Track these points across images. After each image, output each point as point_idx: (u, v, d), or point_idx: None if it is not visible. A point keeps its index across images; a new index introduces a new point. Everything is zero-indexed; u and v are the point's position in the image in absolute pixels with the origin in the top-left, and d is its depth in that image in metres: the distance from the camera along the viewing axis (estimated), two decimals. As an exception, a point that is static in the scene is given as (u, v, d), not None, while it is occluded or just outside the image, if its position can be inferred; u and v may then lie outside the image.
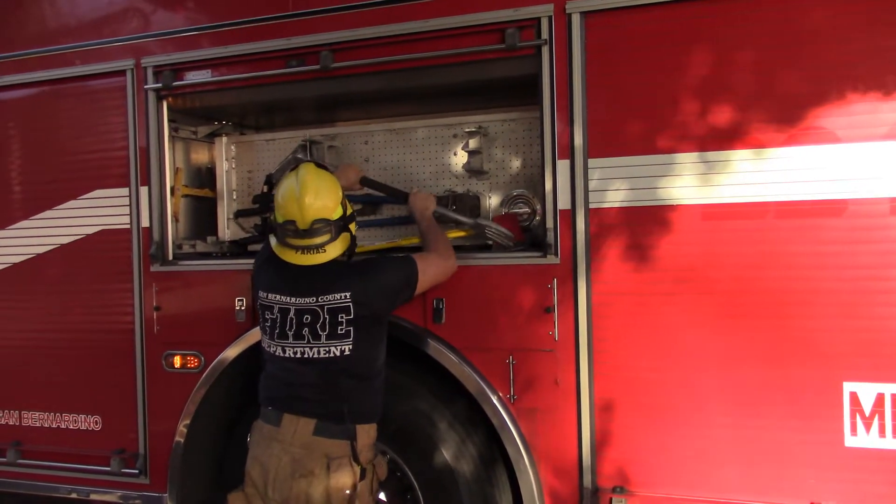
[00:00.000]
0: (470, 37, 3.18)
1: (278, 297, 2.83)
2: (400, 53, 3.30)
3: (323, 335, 2.76)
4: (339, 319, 2.76)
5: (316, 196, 2.76)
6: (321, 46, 3.38)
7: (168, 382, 3.69)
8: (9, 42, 4.05)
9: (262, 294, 2.89)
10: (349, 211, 2.91)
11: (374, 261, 2.98)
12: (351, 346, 2.77)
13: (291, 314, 2.80)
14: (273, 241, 2.93)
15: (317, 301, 2.77)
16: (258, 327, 3.03)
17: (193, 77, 3.66)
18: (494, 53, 3.16)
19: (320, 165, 2.96)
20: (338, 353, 2.76)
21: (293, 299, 2.80)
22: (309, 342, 2.78)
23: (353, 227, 2.91)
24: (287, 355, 2.82)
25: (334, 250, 2.81)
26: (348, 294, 2.76)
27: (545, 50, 3.06)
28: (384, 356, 2.97)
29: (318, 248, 2.77)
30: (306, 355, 2.78)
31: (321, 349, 2.77)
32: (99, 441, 3.87)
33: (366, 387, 2.87)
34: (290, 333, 2.80)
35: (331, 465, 2.69)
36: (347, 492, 2.70)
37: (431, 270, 3.01)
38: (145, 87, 3.71)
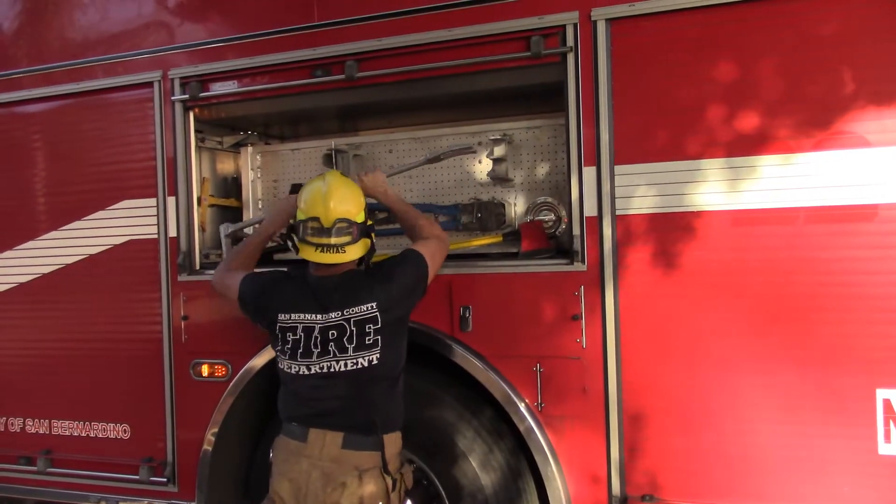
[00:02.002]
0: (495, 45, 3.19)
1: (302, 315, 2.79)
2: (424, 62, 3.31)
3: (350, 347, 2.74)
4: (367, 330, 2.74)
5: (342, 198, 2.82)
6: (346, 56, 3.41)
7: (196, 391, 3.71)
8: (37, 55, 4.11)
9: (282, 317, 2.81)
10: (370, 221, 2.94)
11: (386, 264, 2.95)
12: (379, 355, 2.75)
13: (316, 332, 2.76)
14: (294, 239, 2.91)
15: (342, 315, 2.75)
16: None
17: (220, 88, 3.69)
18: (520, 61, 3.16)
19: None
20: (366, 364, 2.74)
21: (319, 316, 2.77)
22: (335, 356, 2.75)
23: (373, 235, 2.93)
24: (312, 372, 2.77)
25: (354, 252, 2.81)
26: (374, 304, 2.76)
27: (570, 57, 3.07)
28: (405, 357, 2.95)
29: (339, 247, 2.78)
30: (332, 369, 2.75)
31: (348, 362, 2.74)
32: (128, 449, 3.90)
33: (391, 392, 2.85)
34: (316, 352, 2.76)
35: (363, 478, 2.68)
36: (380, 503, 2.69)
37: (437, 257, 3.02)
38: (172, 98, 3.74)
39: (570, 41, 3.06)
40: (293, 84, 3.54)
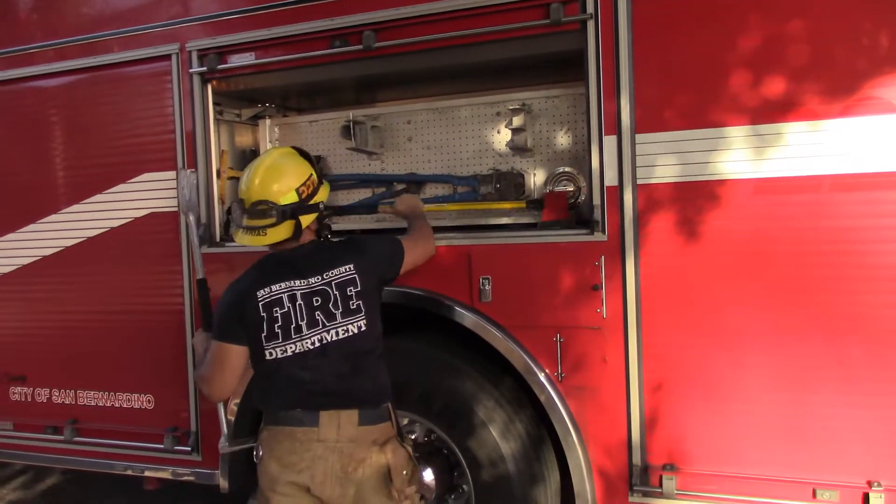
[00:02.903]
0: (514, 13, 3.13)
1: (283, 284, 2.66)
2: (443, 31, 3.27)
3: (337, 313, 2.66)
4: (349, 293, 2.68)
5: (265, 176, 2.73)
6: (364, 26, 3.37)
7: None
8: (52, 30, 4.12)
9: (261, 292, 2.64)
10: (314, 201, 2.77)
11: (358, 237, 3.00)
12: (364, 322, 2.69)
13: (300, 300, 2.64)
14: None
15: (322, 279, 2.68)
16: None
17: (237, 60, 3.67)
18: (539, 29, 3.11)
19: (302, 153, 2.87)
20: (355, 331, 2.67)
21: (298, 282, 2.67)
22: (324, 326, 2.65)
23: (306, 217, 2.73)
24: (306, 349, 2.64)
25: (276, 234, 2.69)
26: (351, 266, 2.71)
27: (591, 24, 3.01)
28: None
29: (259, 229, 2.70)
30: (324, 341, 2.65)
31: (339, 329, 2.66)
32: (152, 419, 3.96)
33: (380, 361, 2.78)
34: (304, 324, 2.64)
35: (384, 448, 2.64)
36: (405, 472, 2.66)
37: (417, 250, 3.04)
38: (190, 70, 3.74)
39: (590, 8, 3.00)
40: (311, 55, 3.51)
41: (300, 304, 2.65)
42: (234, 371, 2.75)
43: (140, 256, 3.93)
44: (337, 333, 2.66)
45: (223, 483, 3.77)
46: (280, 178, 2.73)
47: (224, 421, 3.22)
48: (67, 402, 4.17)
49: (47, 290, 4.20)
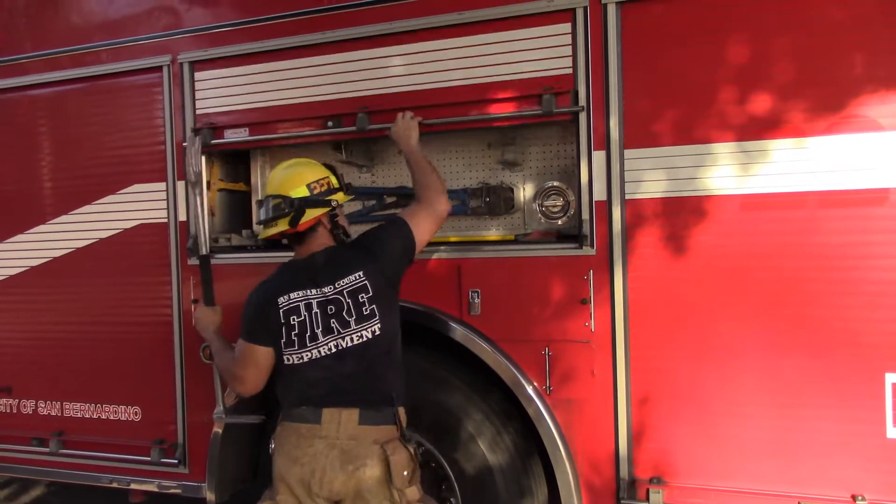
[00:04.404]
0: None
1: (299, 293, 2.77)
2: (437, 116, 3.29)
3: (351, 321, 2.73)
4: (361, 300, 2.74)
5: (283, 174, 2.89)
6: (356, 40, 3.39)
7: (206, 374, 3.73)
8: (43, 40, 4.11)
9: (281, 299, 2.77)
10: (329, 197, 2.84)
11: (368, 235, 2.91)
12: (379, 326, 2.75)
13: (315, 308, 2.74)
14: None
15: (334, 288, 2.75)
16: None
17: (232, 135, 3.70)
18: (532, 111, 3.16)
19: (328, 165, 2.99)
20: (370, 336, 2.73)
21: (312, 291, 2.77)
22: (339, 333, 2.73)
23: (314, 210, 2.80)
24: (323, 355, 2.74)
25: (283, 224, 2.81)
26: (361, 273, 2.76)
27: (580, 40, 3.05)
28: (400, 330, 2.91)
29: (270, 221, 2.84)
30: (340, 347, 2.73)
31: (353, 336, 2.73)
32: (139, 431, 3.93)
33: (395, 365, 2.83)
34: (319, 331, 2.73)
35: (386, 449, 2.67)
36: (406, 473, 2.68)
37: (424, 224, 2.95)
38: (181, 82, 3.74)
39: (580, 25, 3.04)
40: (303, 134, 3.57)
41: (316, 313, 2.74)
42: (266, 369, 2.86)
43: (129, 267, 3.92)
44: (352, 339, 2.73)
45: (210, 496, 3.75)
46: (295, 175, 2.87)
47: (219, 392, 3.33)
48: (53, 414, 4.14)
49: (34, 300, 4.18)
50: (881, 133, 2.69)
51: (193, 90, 3.75)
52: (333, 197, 2.87)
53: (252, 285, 3.56)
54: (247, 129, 3.68)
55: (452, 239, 3.61)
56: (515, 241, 3.44)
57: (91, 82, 3.97)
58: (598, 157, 3.04)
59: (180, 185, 3.78)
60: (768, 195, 2.83)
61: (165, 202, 3.82)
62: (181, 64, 3.74)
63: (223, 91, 3.69)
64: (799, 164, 2.78)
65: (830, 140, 2.75)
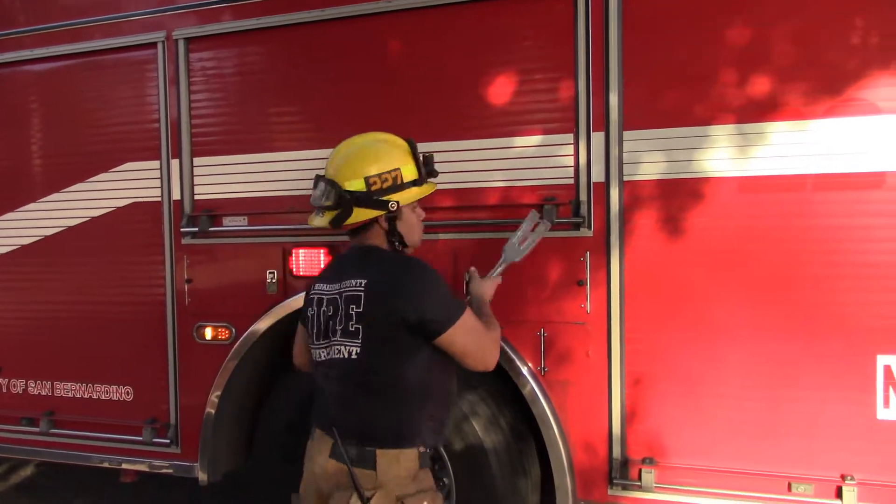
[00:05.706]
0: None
1: (324, 285, 2.41)
2: None
3: (339, 330, 2.30)
4: (350, 312, 2.27)
5: (346, 155, 2.39)
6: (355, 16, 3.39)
7: (199, 354, 3.73)
8: (37, 15, 4.07)
9: (313, 289, 2.46)
10: (386, 198, 2.31)
11: (424, 270, 2.34)
12: (358, 350, 2.25)
13: (324, 306, 2.36)
14: None
15: (339, 287, 2.34)
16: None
17: (230, 224, 3.69)
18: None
19: (411, 147, 2.43)
20: (346, 355, 2.27)
21: (326, 286, 2.40)
22: (330, 340, 2.33)
23: (364, 211, 2.31)
24: (322, 359, 2.37)
25: (321, 220, 2.37)
26: (364, 282, 2.28)
27: (581, 21, 3.05)
28: (429, 378, 2.31)
29: (317, 210, 2.39)
30: (330, 356, 2.34)
31: (334, 348, 2.31)
32: (131, 411, 3.92)
33: (388, 406, 2.28)
34: (319, 332, 2.38)
35: (333, 497, 2.25)
36: None
37: (475, 335, 2.34)
38: (177, 59, 3.71)
39: (580, 4, 3.04)
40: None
41: (324, 311, 2.37)
42: None
43: (121, 246, 3.90)
44: (336, 351, 2.31)
45: (202, 475, 3.75)
46: (357, 160, 2.36)
47: None
48: (44, 394, 4.11)
49: (25, 279, 4.14)
50: (879, 116, 2.71)
51: (188, 67, 3.71)
52: (395, 196, 2.32)
53: (248, 264, 3.66)
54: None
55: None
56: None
57: (85, 58, 3.93)
58: (597, 137, 3.04)
59: (174, 163, 3.74)
60: (766, 178, 2.84)
61: (159, 181, 3.79)
62: (176, 41, 3.70)
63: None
64: (797, 146, 2.80)
65: (828, 123, 2.76)
